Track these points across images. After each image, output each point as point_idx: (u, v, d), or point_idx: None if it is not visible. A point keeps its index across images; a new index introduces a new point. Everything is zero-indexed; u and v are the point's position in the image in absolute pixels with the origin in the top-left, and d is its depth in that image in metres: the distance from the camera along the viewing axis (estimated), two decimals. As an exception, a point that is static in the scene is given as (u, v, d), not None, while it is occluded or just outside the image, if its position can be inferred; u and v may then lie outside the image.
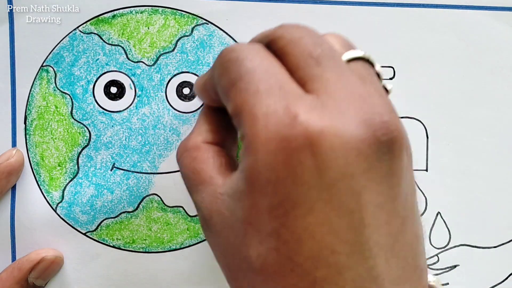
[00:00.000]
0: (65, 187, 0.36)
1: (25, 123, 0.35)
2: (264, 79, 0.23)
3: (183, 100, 0.36)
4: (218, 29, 0.36)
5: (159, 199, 0.36)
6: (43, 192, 0.36)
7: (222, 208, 0.24)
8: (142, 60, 0.36)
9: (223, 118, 0.28)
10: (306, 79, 0.24)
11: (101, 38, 0.36)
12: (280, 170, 0.22)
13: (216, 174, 0.26)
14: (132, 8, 0.36)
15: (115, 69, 0.36)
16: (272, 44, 0.25)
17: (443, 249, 0.37)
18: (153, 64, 0.36)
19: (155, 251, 0.36)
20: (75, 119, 0.36)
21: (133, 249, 0.36)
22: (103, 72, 0.36)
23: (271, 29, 0.26)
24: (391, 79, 0.37)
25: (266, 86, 0.23)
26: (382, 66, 0.37)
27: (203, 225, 0.26)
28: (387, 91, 0.27)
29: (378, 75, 0.27)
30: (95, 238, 0.36)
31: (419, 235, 0.25)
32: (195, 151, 0.27)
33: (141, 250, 0.36)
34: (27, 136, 0.35)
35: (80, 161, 0.36)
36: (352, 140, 0.22)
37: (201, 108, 0.29)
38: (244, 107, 0.23)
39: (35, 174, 0.36)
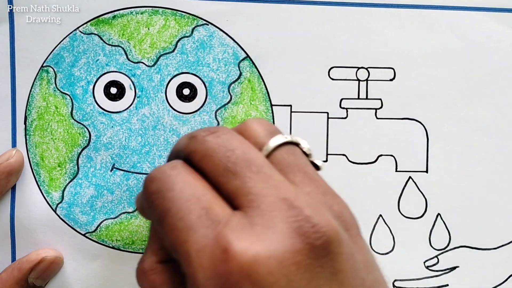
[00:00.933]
0: (65, 188, 0.36)
1: (25, 123, 0.35)
2: (190, 208, 0.23)
3: (183, 100, 0.36)
4: (218, 30, 0.36)
5: (159, 199, 0.36)
6: (43, 192, 0.36)
7: None
8: (142, 60, 0.36)
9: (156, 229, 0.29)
10: (229, 193, 0.24)
11: (101, 39, 0.35)
12: None
13: None
14: (132, 9, 0.36)
15: (115, 70, 0.36)
16: (189, 159, 0.25)
17: (443, 251, 0.37)
18: (153, 65, 0.36)
19: (155, 252, 0.36)
20: (75, 120, 0.36)
21: (132, 250, 0.36)
22: (103, 72, 0.36)
23: (186, 138, 0.26)
24: (391, 80, 0.37)
25: (193, 217, 0.23)
26: (382, 67, 0.37)
27: None
28: (318, 167, 0.27)
29: (305, 153, 0.27)
30: (94, 239, 0.36)
31: None
32: (152, 273, 0.26)
33: (140, 251, 0.36)
34: (27, 136, 0.35)
35: (80, 162, 0.36)
36: (287, 256, 0.22)
37: (150, 225, 0.29)
38: (177, 246, 0.23)
39: (35, 174, 0.36)
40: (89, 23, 0.35)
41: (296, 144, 0.26)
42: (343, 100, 0.37)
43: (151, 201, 0.25)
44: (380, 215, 0.37)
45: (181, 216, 0.23)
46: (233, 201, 0.24)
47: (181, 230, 0.23)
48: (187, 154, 0.25)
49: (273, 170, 0.25)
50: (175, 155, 0.27)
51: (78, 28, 0.35)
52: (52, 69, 0.35)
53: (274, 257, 0.22)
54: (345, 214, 0.25)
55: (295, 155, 0.26)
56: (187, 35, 0.36)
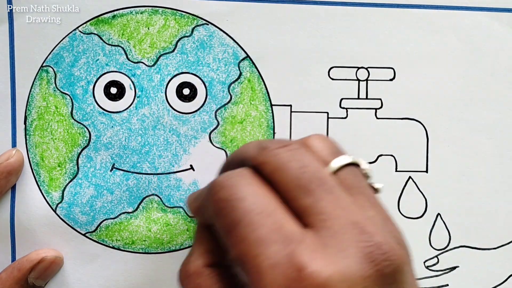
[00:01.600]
0: (64, 188, 0.36)
1: (25, 123, 0.35)
2: (262, 223, 0.23)
3: (183, 100, 0.36)
4: (218, 29, 0.36)
5: (159, 199, 0.36)
6: (43, 192, 0.36)
7: None
8: (142, 60, 0.36)
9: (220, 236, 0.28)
10: (301, 210, 0.24)
11: (101, 39, 0.35)
12: None
13: None
14: (132, 9, 0.36)
15: (115, 70, 0.36)
16: (259, 169, 0.25)
17: (443, 251, 0.37)
18: (153, 65, 0.36)
19: (155, 252, 0.36)
20: (75, 120, 0.36)
21: (132, 250, 0.36)
22: (103, 72, 0.36)
23: (256, 148, 0.26)
24: (391, 80, 0.37)
25: (265, 231, 0.23)
26: (382, 67, 0.37)
27: None
28: (376, 190, 0.28)
29: (366, 175, 0.27)
30: (94, 239, 0.36)
31: None
32: (198, 277, 0.26)
33: (140, 251, 0.36)
34: (27, 136, 0.35)
35: (80, 162, 0.36)
36: (357, 280, 0.22)
37: (197, 226, 0.29)
38: (247, 258, 0.23)
39: (35, 174, 0.36)
40: (88, 23, 0.35)
41: (357, 165, 0.27)
42: (343, 100, 0.37)
43: (219, 209, 0.25)
44: (380, 215, 0.37)
45: (253, 229, 0.23)
46: (303, 217, 0.24)
47: (252, 243, 0.23)
48: (257, 164, 0.25)
49: (343, 192, 0.25)
50: (239, 162, 0.27)
51: (77, 28, 0.35)
52: (52, 69, 0.35)
53: (345, 281, 0.22)
54: (403, 243, 0.25)
55: (357, 176, 0.26)
56: (187, 35, 0.36)
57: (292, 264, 0.22)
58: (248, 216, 0.24)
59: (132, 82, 0.36)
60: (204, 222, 0.28)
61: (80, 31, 0.35)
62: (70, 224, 0.36)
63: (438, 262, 0.37)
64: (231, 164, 0.28)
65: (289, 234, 0.23)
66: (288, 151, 0.25)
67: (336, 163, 0.26)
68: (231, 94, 0.36)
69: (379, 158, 0.37)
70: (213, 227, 0.27)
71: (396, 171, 0.37)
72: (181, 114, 0.36)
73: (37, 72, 0.35)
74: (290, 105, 0.36)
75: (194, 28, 0.36)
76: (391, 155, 0.37)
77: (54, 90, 0.35)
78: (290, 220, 0.24)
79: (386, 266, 0.23)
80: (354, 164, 0.27)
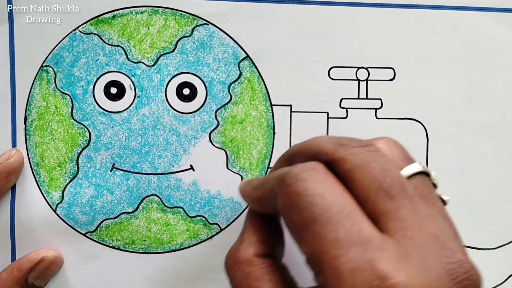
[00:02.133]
0: (65, 188, 0.36)
1: (25, 123, 0.35)
2: (341, 223, 0.23)
3: (183, 100, 0.36)
4: (218, 29, 0.36)
5: (159, 200, 0.36)
6: (43, 192, 0.36)
7: None
8: (142, 60, 0.36)
9: (272, 225, 0.28)
10: (378, 214, 0.23)
11: (101, 39, 0.35)
12: None
13: None
14: (132, 9, 0.36)
15: (115, 70, 0.36)
16: (334, 165, 0.25)
17: (442, 251, 0.37)
18: (153, 65, 0.36)
19: (155, 252, 0.36)
20: (75, 120, 0.36)
21: (132, 250, 0.36)
22: (103, 72, 0.36)
23: (332, 144, 0.25)
24: (391, 80, 0.37)
25: (344, 232, 0.22)
26: (382, 67, 0.37)
27: None
28: (444, 202, 0.27)
29: (434, 185, 0.27)
30: (94, 239, 0.36)
31: None
32: (248, 265, 0.26)
33: (140, 251, 0.36)
34: (27, 136, 0.35)
35: (80, 162, 0.36)
36: None
37: (247, 214, 0.28)
38: (325, 258, 0.23)
39: (35, 174, 0.36)
40: (88, 23, 0.35)
41: (427, 174, 0.26)
42: (343, 100, 0.37)
43: (295, 203, 0.24)
44: (380, 215, 0.37)
45: (332, 228, 0.23)
46: (381, 222, 0.23)
47: (331, 243, 0.23)
48: (333, 160, 0.25)
49: (421, 201, 0.24)
50: (309, 155, 0.26)
51: (77, 28, 0.35)
52: (52, 69, 0.35)
53: None
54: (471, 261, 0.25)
55: (428, 186, 0.26)
56: (187, 35, 0.36)
57: (374, 271, 0.22)
58: (326, 214, 0.23)
59: (132, 82, 0.36)
60: (262, 210, 0.28)
61: (80, 31, 0.35)
62: (70, 224, 0.36)
63: (438, 262, 0.37)
64: (297, 155, 0.27)
65: (369, 238, 0.23)
66: (369, 152, 0.25)
67: (409, 170, 0.25)
68: (231, 94, 0.36)
69: (379, 158, 0.37)
70: (273, 218, 0.26)
71: (396, 171, 0.37)
72: (181, 114, 0.36)
73: (37, 72, 0.35)
74: (290, 105, 0.36)
75: (194, 28, 0.36)
76: (391, 155, 0.37)
77: (54, 90, 0.35)
78: (368, 224, 0.23)
79: (467, 286, 0.23)
80: (424, 173, 0.26)
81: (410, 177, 0.25)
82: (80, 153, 0.36)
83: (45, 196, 0.36)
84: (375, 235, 0.23)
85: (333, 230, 0.23)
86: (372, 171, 0.24)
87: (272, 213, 0.27)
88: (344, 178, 0.24)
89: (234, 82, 0.36)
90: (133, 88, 0.36)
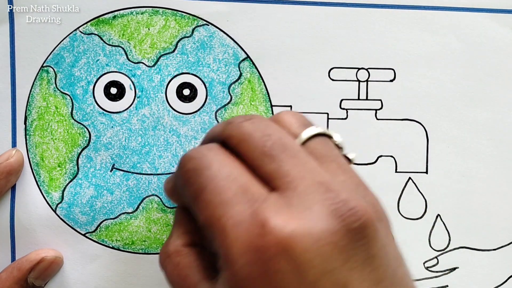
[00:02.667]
0: (64, 188, 0.36)
1: (25, 123, 0.35)
2: (226, 186, 0.24)
3: (183, 101, 0.36)
4: (218, 30, 0.36)
5: (159, 200, 0.36)
6: (43, 192, 0.36)
7: None
8: (142, 61, 0.36)
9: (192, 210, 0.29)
10: (266, 176, 0.24)
11: (102, 39, 0.35)
12: (260, 281, 0.22)
13: (201, 279, 0.26)
14: (132, 9, 0.36)
15: (115, 70, 0.36)
16: (226, 144, 0.26)
17: (442, 252, 0.37)
18: (153, 65, 0.36)
19: (155, 252, 0.36)
20: (75, 120, 0.36)
21: (132, 250, 0.36)
22: (103, 72, 0.36)
23: (222, 125, 0.27)
24: (391, 81, 0.37)
25: (230, 194, 0.24)
26: (383, 68, 0.37)
27: None
28: (350, 161, 0.28)
29: (338, 146, 0.27)
30: (94, 239, 0.36)
31: None
32: (177, 256, 0.27)
33: (140, 251, 0.36)
34: (27, 136, 0.35)
35: (80, 162, 0.36)
36: (323, 235, 0.22)
37: (176, 209, 0.29)
38: (212, 220, 0.24)
39: (35, 174, 0.36)
40: (89, 23, 0.35)
41: (329, 137, 0.27)
42: (343, 101, 0.37)
43: (187, 179, 0.25)
44: (380, 216, 0.37)
45: (218, 192, 0.24)
46: (269, 183, 0.24)
47: (218, 205, 0.24)
48: (223, 139, 0.26)
49: (308, 157, 0.25)
50: (209, 140, 0.27)
51: (78, 28, 0.35)
52: (52, 69, 0.35)
53: (310, 235, 0.22)
54: (378, 205, 0.25)
55: (328, 146, 0.26)
56: (187, 35, 0.36)
57: (255, 221, 0.23)
58: (214, 181, 0.24)
59: (132, 82, 0.36)
60: (180, 202, 0.29)
61: (80, 32, 0.35)
62: (70, 224, 0.36)
63: (437, 263, 0.37)
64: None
65: (253, 195, 0.23)
66: (252, 123, 0.26)
67: (306, 134, 0.26)
68: (231, 94, 0.36)
69: (379, 159, 0.37)
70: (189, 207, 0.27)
71: (396, 172, 0.37)
72: (181, 114, 0.36)
73: (38, 72, 0.35)
74: (290, 106, 0.36)
75: (194, 28, 0.36)
76: (391, 156, 0.37)
77: (54, 90, 0.35)
78: (255, 185, 0.24)
79: (353, 222, 0.23)
80: (326, 136, 0.27)
81: (309, 140, 0.26)
82: (80, 153, 0.36)
83: (45, 196, 0.36)
84: (261, 192, 0.24)
85: (219, 194, 0.24)
86: (253, 140, 0.25)
87: (183, 200, 0.27)
88: (235, 153, 0.25)
89: (234, 82, 0.36)
90: (133, 88, 0.36)
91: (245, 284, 0.23)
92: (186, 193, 0.26)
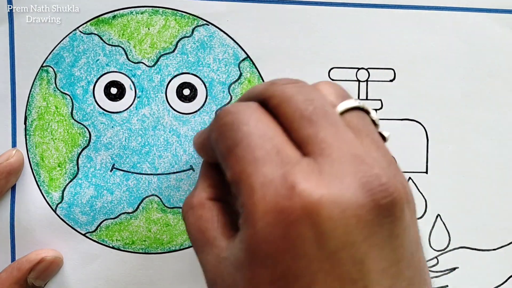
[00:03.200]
0: (64, 188, 0.36)
1: (25, 123, 0.35)
2: (261, 145, 0.23)
3: (183, 101, 0.36)
4: (218, 30, 0.36)
5: (159, 200, 0.36)
6: (43, 192, 0.36)
7: (225, 274, 0.24)
8: (142, 61, 0.36)
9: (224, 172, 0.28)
10: (301, 140, 0.24)
11: (101, 39, 0.35)
12: (279, 243, 0.22)
13: (220, 235, 0.25)
14: (132, 9, 0.36)
15: (115, 70, 0.36)
16: (266, 103, 0.25)
17: (442, 251, 0.37)
18: (154, 65, 0.36)
19: (155, 252, 0.36)
20: (75, 120, 0.36)
21: (132, 250, 0.36)
22: (103, 72, 0.36)
23: (264, 85, 0.26)
24: (391, 81, 0.37)
25: (263, 153, 0.23)
26: (383, 68, 0.37)
27: (208, 287, 0.26)
28: (384, 138, 0.27)
29: (374, 122, 0.27)
30: (94, 239, 0.36)
31: None
32: (200, 209, 0.27)
33: (140, 251, 0.36)
34: (27, 136, 0.35)
35: (80, 162, 0.36)
36: (351, 207, 0.22)
37: (202, 163, 0.29)
38: (242, 177, 0.23)
39: (35, 174, 0.36)
40: (89, 23, 0.35)
41: (366, 112, 0.26)
42: (343, 101, 0.37)
43: (223, 132, 0.25)
44: (380, 216, 0.37)
45: (252, 149, 0.23)
46: (304, 147, 0.24)
47: (249, 162, 0.23)
48: (264, 99, 0.25)
49: (347, 128, 0.24)
50: (247, 99, 0.27)
51: (78, 28, 0.35)
52: (52, 69, 0.35)
53: (337, 204, 0.22)
54: (407, 187, 0.24)
55: (364, 120, 0.26)
56: (187, 35, 0.36)
57: (284, 182, 0.22)
58: (248, 138, 0.24)
59: (133, 82, 0.36)
60: (208, 157, 0.28)
61: (80, 31, 0.35)
62: (70, 224, 0.36)
63: (438, 263, 0.37)
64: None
65: (286, 157, 0.23)
66: (296, 87, 0.25)
67: (343, 105, 0.26)
68: (231, 94, 0.36)
69: (379, 159, 0.37)
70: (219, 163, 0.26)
71: (396, 172, 0.37)
72: (181, 114, 0.36)
73: (37, 72, 0.35)
74: (290, 106, 0.36)
75: (194, 28, 0.36)
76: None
77: (54, 90, 0.35)
78: (290, 147, 0.24)
79: (383, 198, 0.22)
80: (363, 111, 0.26)
81: (346, 112, 0.26)
82: (80, 153, 0.36)
83: (45, 196, 0.36)
84: (294, 155, 0.23)
85: (252, 151, 0.23)
86: (295, 103, 0.24)
87: (215, 156, 0.27)
88: (274, 114, 0.25)
89: (234, 82, 0.36)
90: (133, 88, 0.36)
91: (263, 244, 0.22)
92: (219, 146, 0.25)
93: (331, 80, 0.28)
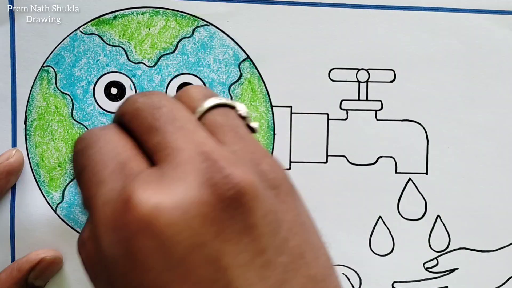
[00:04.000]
0: (65, 188, 0.36)
1: (25, 123, 0.35)
2: (105, 165, 0.23)
3: (183, 101, 0.36)
4: (219, 30, 0.36)
5: (159, 200, 0.36)
6: (43, 192, 0.36)
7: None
8: (142, 61, 0.36)
9: None
10: (151, 151, 0.23)
11: (102, 39, 0.35)
12: (124, 261, 0.21)
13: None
14: (133, 9, 0.36)
15: (115, 70, 0.36)
16: (121, 121, 0.25)
17: (442, 252, 0.37)
18: (154, 65, 0.36)
19: (155, 252, 0.36)
20: (75, 120, 0.36)
21: (132, 251, 0.36)
22: (103, 73, 0.36)
23: (121, 102, 0.26)
24: (391, 82, 0.37)
25: (108, 172, 0.22)
26: (383, 69, 0.37)
27: None
28: (253, 130, 0.26)
29: (242, 116, 0.26)
30: (94, 239, 0.36)
31: (315, 274, 0.22)
32: (90, 242, 0.25)
33: (140, 251, 0.36)
34: (27, 136, 0.35)
35: (80, 162, 0.36)
36: (193, 206, 0.21)
37: None
38: (88, 201, 0.23)
39: (35, 174, 0.36)
40: (89, 23, 0.35)
41: (232, 108, 0.25)
42: (343, 102, 0.37)
43: (74, 159, 0.24)
44: (380, 217, 0.37)
45: (96, 171, 0.23)
46: (153, 157, 0.23)
47: (93, 184, 0.22)
48: (119, 118, 0.25)
49: (198, 127, 0.23)
50: (113, 119, 0.26)
51: (78, 28, 0.35)
52: (52, 69, 0.35)
53: (177, 208, 0.20)
54: (273, 173, 0.23)
55: (227, 116, 0.25)
56: (187, 35, 0.36)
57: (121, 197, 0.21)
58: (93, 161, 0.23)
59: (133, 82, 0.36)
60: None
61: (81, 32, 0.35)
62: (70, 224, 0.36)
63: (437, 264, 0.37)
64: None
65: (129, 171, 0.22)
66: (146, 98, 0.24)
67: (206, 104, 0.25)
68: (232, 95, 0.36)
69: (379, 159, 0.37)
70: None
71: (396, 172, 0.37)
72: (181, 115, 0.36)
73: (38, 72, 0.35)
74: (291, 106, 0.36)
75: (194, 29, 0.36)
76: (391, 157, 0.37)
77: (55, 90, 0.35)
78: (137, 160, 0.23)
79: (227, 190, 0.21)
80: (228, 107, 0.25)
81: (209, 111, 0.25)
82: (80, 154, 0.36)
83: (45, 196, 0.36)
84: (138, 168, 0.22)
85: (96, 173, 0.23)
86: (142, 114, 0.24)
87: None
88: (129, 131, 0.24)
89: (234, 83, 0.36)
90: (133, 88, 0.36)
91: (110, 267, 0.21)
92: (73, 174, 0.25)
93: (198, 85, 0.27)
